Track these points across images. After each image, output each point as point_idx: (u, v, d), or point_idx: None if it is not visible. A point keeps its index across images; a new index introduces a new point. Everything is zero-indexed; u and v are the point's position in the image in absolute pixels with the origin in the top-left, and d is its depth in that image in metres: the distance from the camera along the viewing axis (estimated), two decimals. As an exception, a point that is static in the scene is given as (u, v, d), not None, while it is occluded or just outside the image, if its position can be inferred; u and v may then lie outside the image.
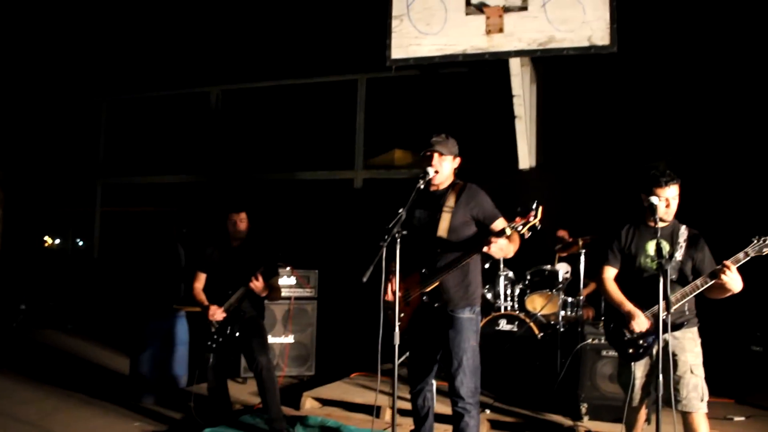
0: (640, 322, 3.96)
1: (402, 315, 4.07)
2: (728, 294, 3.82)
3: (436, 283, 3.96)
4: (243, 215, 5.23)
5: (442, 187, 4.12)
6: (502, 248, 3.76)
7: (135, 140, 10.76)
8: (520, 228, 3.69)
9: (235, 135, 10.03)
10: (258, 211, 5.90)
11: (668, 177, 3.97)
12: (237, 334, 5.08)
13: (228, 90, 10.14)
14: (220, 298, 5.12)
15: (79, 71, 10.61)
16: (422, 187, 3.91)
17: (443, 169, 4.04)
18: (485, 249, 3.73)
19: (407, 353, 4.15)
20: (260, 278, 4.95)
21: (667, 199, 4.00)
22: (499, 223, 3.94)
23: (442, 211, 4.00)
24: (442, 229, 3.99)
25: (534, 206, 3.68)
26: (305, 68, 9.39)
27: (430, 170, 3.93)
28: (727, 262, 3.72)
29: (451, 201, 4.02)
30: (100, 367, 7.60)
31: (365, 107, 9.28)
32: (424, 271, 4.00)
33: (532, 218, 3.67)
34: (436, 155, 4.01)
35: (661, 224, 4.01)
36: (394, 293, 3.92)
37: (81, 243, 11.60)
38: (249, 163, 9.86)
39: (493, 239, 3.70)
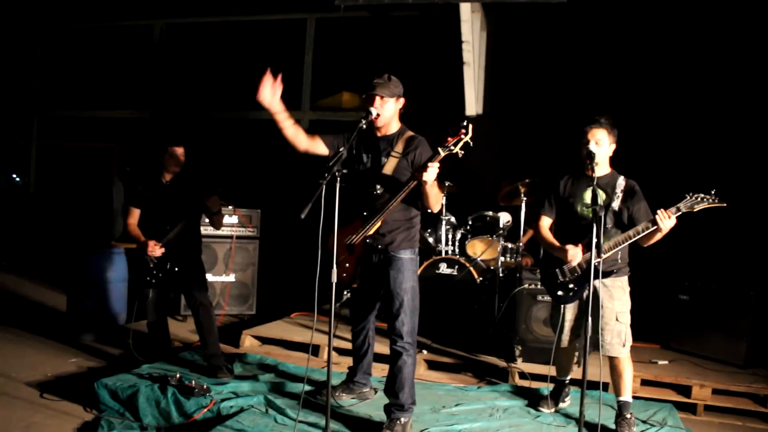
0: (574, 254, 4.08)
1: (347, 265, 4.11)
2: (654, 240, 3.97)
3: (379, 223, 3.98)
4: (181, 150, 5.11)
5: (389, 132, 4.10)
6: (434, 179, 3.71)
7: (75, 73, 10.37)
8: (452, 147, 3.63)
9: (180, 71, 9.76)
10: (201, 149, 5.83)
11: (597, 120, 4.16)
12: (176, 269, 5.04)
13: (172, 24, 9.82)
14: (157, 234, 5.04)
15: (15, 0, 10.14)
16: (364, 127, 3.88)
17: (385, 111, 3.99)
18: (418, 175, 3.69)
19: (347, 294, 4.19)
20: (215, 199, 4.93)
21: (596, 141, 4.13)
22: None
23: (390, 155, 4.01)
24: (387, 170, 3.99)
25: (464, 123, 3.62)
26: (253, 5, 9.14)
27: (373, 110, 3.90)
28: (663, 211, 3.86)
29: (399, 147, 4.02)
30: (37, 304, 7.49)
31: (314, 48, 9.13)
32: (365, 213, 4.02)
33: (463, 135, 3.61)
34: (377, 98, 3.96)
35: (599, 173, 4.12)
36: (347, 237, 4.00)
37: (17, 179, 11.24)
38: (193, 100, 9.64)
39: (429, 164, 3.65)
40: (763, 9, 6.67)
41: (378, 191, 4.00)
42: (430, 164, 3.64)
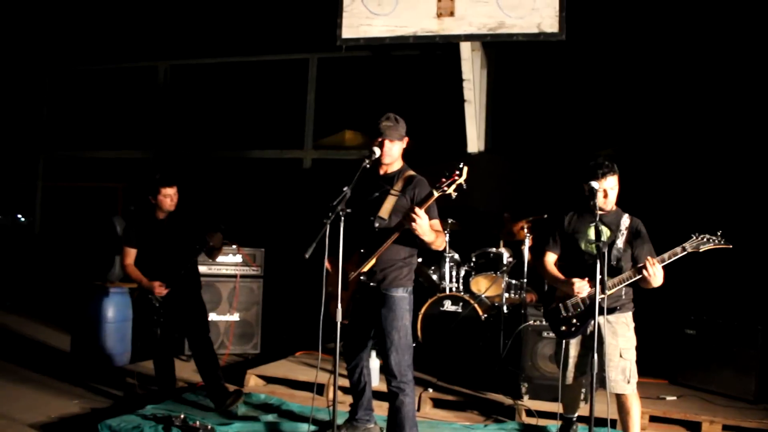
0: (581, 286, 4.06)
1: (341, 300, 4.10)
2: (650, 287, 3.96)
3: (372, 262, 4.01)
4: (173, 189, 5.10)
5: (391, 170, 4.18)
6: (424, 226, 3.75)
7: (80, 114, 10.49)
8: (445, 189, 3.67)
9: (184, 111, 9.86)
10: (205, 188, 5.87)
11: (606, 168, 4.11)
12: (180, 309, 5.04)
13: (176, 65, 9.95)
14: (156, 273, 5.05)
15: (22, 42, 10.29)
16: (368, 166, 3.92)
17: (393, 153, 4.11)
18: (408, 222, 3.73)
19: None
20: (219, 236, 4.93)
21: (605, 190, 4.13)
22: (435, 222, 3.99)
23: (389, 193, 4.07)
24: (384, 210, 4.05)
25: (460, 165, 3.66)
26: (256, 46, 9.27)
27: (376, 150, 3.95)
28: (650, 259, 3.86)
29: (399, 185, 4.09)
30: (41, 344, 7.45)
31: (316, 87, 9.23)
32: (362, 251, 4.05)
33: (457, 177, 3.64)
34: (387, 142, 4.05)
35: (602, 212, 4.13)
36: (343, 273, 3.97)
37: (22, 219, 11.28)
38: (198, 140, 9.72)
39: (416, 209, 3.70)
40: (760, 43, 6.75)
41: (376, 229, 4.03)
42: (417, 210, 3.70)
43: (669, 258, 3.87)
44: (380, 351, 4.12)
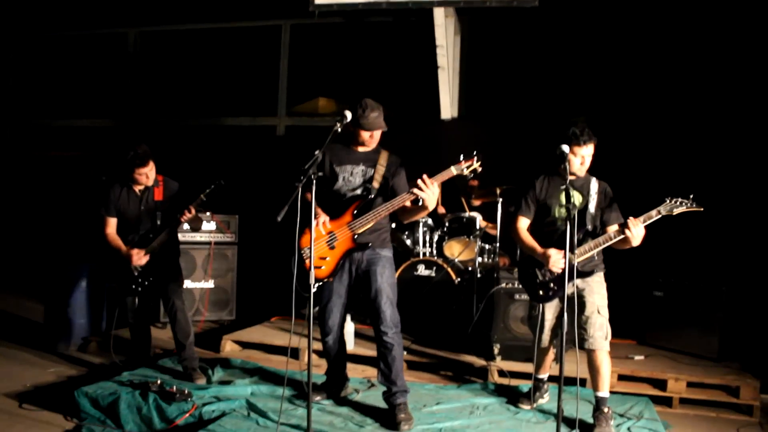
0: (556, 261, 4.14)
1: (327, 259, 4.18)
2: (629, 247, 4.05)
3: (371, 224, 4.15)
4: (149, 167, 5.01)
5: (371, 148, 4.33)
6: (433, 197, 3.94)
7: (48, 82, 10.29)
8: (464, 169, 3.95)
9: (155, 79, 9.72)
10: (177, 156, 5.82)
11: (586, 136, 4.16)
12: (158, 276, 5.05)
13: (146, 32, 9.79)
14: (134, 242, 5.05)
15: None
16: (339, 130, 3.94)
17: (376, 139, 4.29)
18: (420, 191, 3.89)
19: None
20: (192, 210, 4.90)
21: (582, 157, 4.19)
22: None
23: (377, 165, 4.26)
24: (376, 181, 4.22)
25: (475, 153, 3.95)
26: (228, 12, 9.14)
27: (348, 114, 3.97)
28: (632, 219, 3.94)
29: (383, 160, 4.27)
30: (12, 316, 7.40)
31: (289, 54, 9.15)
32: (355, 212, 4.17)
33: (474, 162, 3.94)
34: (376, 133, 4.24)
35: (573, 177, 4.19)
36: (329, 232, 4.16)
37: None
38: (170, 108, 9.61)
39: (430, 180, 3.88)
40: (737, 8, 6.81)
41: (371, 195, 4.19)
42: (429, 180, 3.88)
43: (644, 221, 3.95)
44: (371, 308, 4.24)
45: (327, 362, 4.66)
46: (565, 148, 4.11)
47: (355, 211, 4.18)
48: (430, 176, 3.92)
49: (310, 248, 3.89)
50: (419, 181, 3.90)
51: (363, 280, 4.29)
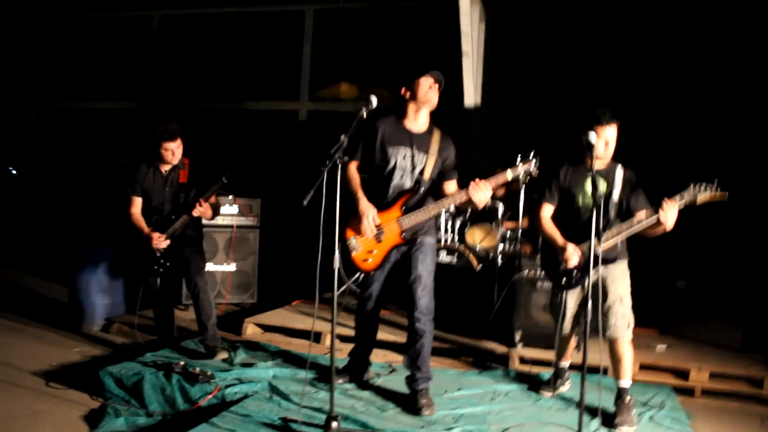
0: (572, 257, 4.12)
1: (375, 252, 4.19)
2: (660, 232, 4.01)
3: (419, 221, 4.13)
4: (175, 143, 5.08)
5: (423, 128, 4.25)
6: (486, 200, 3.97)
7: (73, 64, 10.38)
8: (521, 173, 3.94)
9: (178, 62, 9.78)
10: (201, 140, 5.86)
11: (609, 116, 4.10)
12: (180, 257, 5.08)
13: (170, 15, 9.83)
14: (157, 224, 5.09)
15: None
16: (365, 116, 3.90)
17: (433, 100, 4.19)
18: (474, 193, 3.91)
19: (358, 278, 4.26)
20: (203, 204, 4.95)
21: (606, 141, 4.13)
22: (453, 183, 4.24)
23: (429, 154, 4.18)
24: (427, 173, 4.17)
25: (532, 155, 3.92)
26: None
27: (373, 99, 3.87)
28: (668, 200, 3.90)
29: (435, 146, 4.19)
30: (38, 296, 7.50)
31: (312, 39, 9.15)
32: (404, 207, 4.14)
33: (532, 165, 3.93)
34: (437, 84, 4.17)
35: (598, 164, 4.14)
36: (377, 226, 4.11)
37: (14, 171, 11.21)
38: (192, 91, 9.66)
39: (484, 183, 3.91)
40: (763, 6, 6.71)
41: (420, 189, 4.16)
42: (484, 183, 3.91)
43: (679, 203, 3.92)
44: (407, 292, 4.20)
45: (355, 342, 4.67)
46: (592, 136, 4.05)
47: (404, 207, 4.14)
48: (488, 178, 3.93)
49: (356, 232, 3.95)
50: (473, 184, 3.91)
51: (403, 264, 4.26)
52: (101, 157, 9.80)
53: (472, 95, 7.74)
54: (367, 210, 4.09)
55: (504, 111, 7.76)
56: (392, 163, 4.18)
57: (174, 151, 5.07)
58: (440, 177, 4.24)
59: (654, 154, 6.71)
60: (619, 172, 4.23)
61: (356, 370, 4.66)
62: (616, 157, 4.30)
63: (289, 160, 8.22)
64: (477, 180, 3.92)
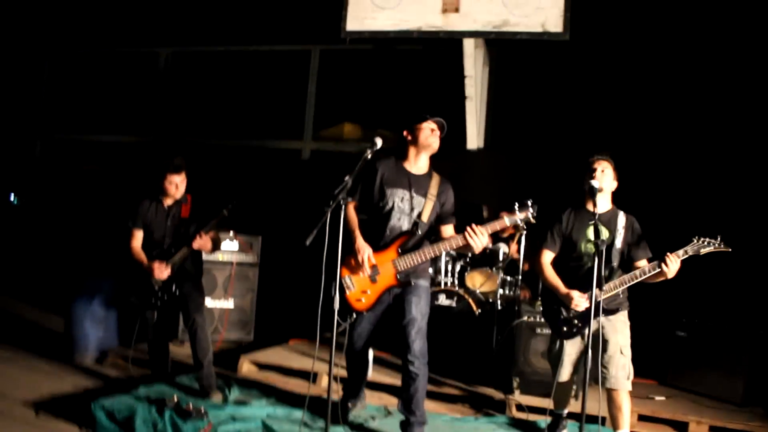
0: (579, 302, 4.10)
1: (368, 292, 4.18)
2: (661, 279, 4.01)
3: (415, 264, 4.13)
4: (181, 176, 5.09)
5: (422, 171, 4.31)
6: (482, 245, 3.99)
7: (79, 98, 10.46)
8: (518, 220, 3.96)
9: (184, 98, 9.85)
10: (202, 176, 5.87)
11: (601, 152, 4.27)
12: (179, 292, 5.05)
13: (178, 52, 9.94)
14: (158, 258, 5.07)
15: (22, 23, 10.24)
16: (369, 157, 3.94)
17: (434, 145, 4.25)
18: (471, 239, 3.94)
19: (350, 319, 4.25)
20: (204, 236, 4.93)
21: (602, 169, 4.20)
22: (450, 228, 4.29)
23: (427, 197, 4.22)
24: (425, 215, 4.20)
25: (530, 202, 3.95)
26: (258, 35, 9.26)
27: (378, 141, 3.94)
28: (671, 254, 3.91)
29: (434, 189, 4.25)
30: (33, 325, 7.43)
31: (317, 79, 9.23)
32: (401, 249, 4.15)
33: (530, 213, 3.95)
34: (438, 130, 4.24)
35: (601, 209, 4.17)
36: (372, 266, 4.12)
37: (15, 201, 11.20)
38: (196, 127, 9.71)
39: (481, 229, 3.94)
40: (760, 46, 6.78)
41: (417, 232, 4.18)
42: (482, 229, 3.94)
43: (682, 257, 3.93)
44: (401, 335, 4.17)
45: (347, 381, 4.65)
46: (595, 183, 4.11)
47: (401, 249, 4.15)
48: (484, 224, 3.96)
49: (353, 272, 3.94)
50: (469, 230, 3.93)
51: (396, 307, 4.24)
52: (103, 189, 9.81)
53: (474, 138, 7.78)
54: (363, 248, 4.11)
55: (506, 154, 7.80)
56: (390, 204, 4.21)
57: (178, 184, 5.08)
58: (438, 220, 4.27)
59: (657, 202, 6.71)
60: (621, 219, 4.25)
61: (348, 405, 4.64)
62: (619, 204, 4.31)
63: (291, 199, 8.23)
64: (474, 225, 3.94)
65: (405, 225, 4.21)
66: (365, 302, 4.18)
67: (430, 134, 4.19)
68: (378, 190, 4.24)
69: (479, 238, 3.92)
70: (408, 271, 4.15)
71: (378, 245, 4.18)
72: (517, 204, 3.97)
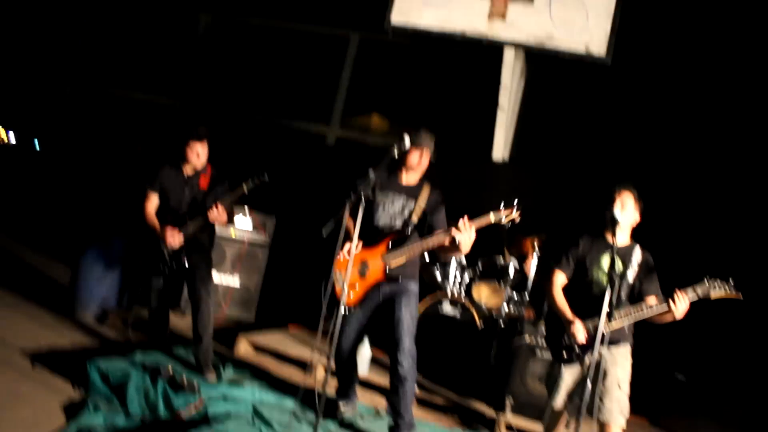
0: (579, 333, 4.07)
1: (357, 286, 4.25)
2: (669, 320, 3.96)
3: (404, 260, 4.20)
4: (204, 144, 5.10)
5: (414, 182, 4.43)
6: (470, 240, 3.98)
7: (114, 53, 10.47)
8: (502, 217, 3.97)
9: (218, 67, 9.84)
10: (224, 148, 5.87)
11: (627, 184, 4.21)
12: (187, 263, 5.05)
13: (218, 19, 9.92)
14: (172, 224, 5.06)
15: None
16: (396, 156, 4.05)
17: (424, 164, 4.38)
18: (457, 233, 3.94)
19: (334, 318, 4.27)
20: (220, 208, 4.90)
21: (622, 203, 4.16)
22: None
23: (418, 199, 4.33)
24: (416, 214, 4.29)
25: (515, 202, 3.98)
26: (301, 13, 9.23)
27: (407, 140, 4.05)
28: (679, 292, 3.85)
29: (424, 195, 4.35)
30: (40, 274, 7.46)
31: (352, 66, 9.19)
32: (390, 245, 4.22)
33: (513, 212, 3.96)
34: (425, 152, 4.32)
35: (620, 242, 4.12)
36: (362, 262, 4.20)
37: (37, 146, 11.22)
38: (226, 97, 9.70)
39: (468, 223, 3.94)
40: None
41: (407, 230, 4.25)
42: (469, 223, 3.94)
43: (690, 296, 3.87)
44: (391, 338, 4.22)
45: (337, 378, 4.68)
46: (617, 214, 4.06)
47: (390, 244, 4.23)
48: (471, 219, 3.95)
49: (347, 266, 3.89)
50: (459, 223, 3.94)
51: (385, 308, 4.31)
52: (125, 147, 9.82)
53: (501, 149, 7.71)
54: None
55: (530, 169, 7.73)
56: (380, 205, 4.34)
57: (199, 153, 5.07)
58: (430, 227, 4.31)
59: (674, 237, 6.62)
60: (637, 254, 4.20)
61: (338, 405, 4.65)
62: (636, 234, 4.27)
63: (310, 183, 8.21)
64: (461, 220, 3.96)
65: (396, 224, 4.32)
66: (354, 297, 4.26)
67: (418, 160, 4.33)
68: (371, 195, 4.29)
69: (466, 233, 3.93)
70: (396, 266, 4.21)
71: (368, 242, 4.26)
72: (503, 202, 4.02)
